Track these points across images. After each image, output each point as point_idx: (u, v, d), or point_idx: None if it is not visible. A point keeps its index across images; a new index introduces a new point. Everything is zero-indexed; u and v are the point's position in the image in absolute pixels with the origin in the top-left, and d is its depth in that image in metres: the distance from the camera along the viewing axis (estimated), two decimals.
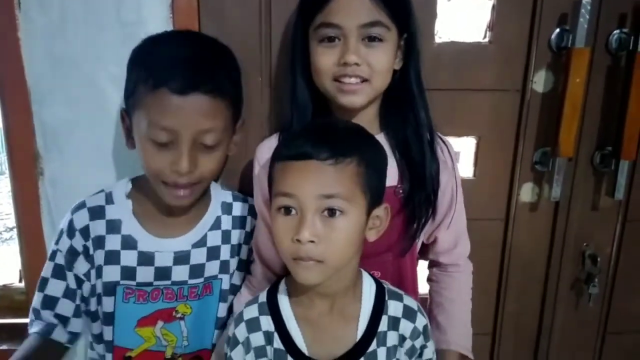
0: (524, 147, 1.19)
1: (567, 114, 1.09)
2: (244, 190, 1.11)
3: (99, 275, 0.94)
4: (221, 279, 0.99)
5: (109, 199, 0.95)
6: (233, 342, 0.84)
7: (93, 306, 0.97)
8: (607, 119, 1.17)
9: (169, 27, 1.05)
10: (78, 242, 0.93)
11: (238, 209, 1.02)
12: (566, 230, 1.24)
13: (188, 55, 0.87)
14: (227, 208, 1.01)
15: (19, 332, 1.26)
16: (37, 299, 0.96)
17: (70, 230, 0.93)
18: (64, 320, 0.96)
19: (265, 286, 0.93)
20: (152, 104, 0.83)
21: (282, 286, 0.85)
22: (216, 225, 0.99)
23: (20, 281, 1.33)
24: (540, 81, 1.15)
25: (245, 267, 1.03)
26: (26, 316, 1.26)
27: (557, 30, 1.12)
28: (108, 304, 0.94)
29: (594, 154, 1.20)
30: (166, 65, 0.84)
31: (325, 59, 0.88)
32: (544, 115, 1.17)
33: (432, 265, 1.10)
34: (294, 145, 0.77)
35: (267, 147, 0.96)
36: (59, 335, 0.96)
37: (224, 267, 0.99)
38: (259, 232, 1.00)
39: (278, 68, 1.11)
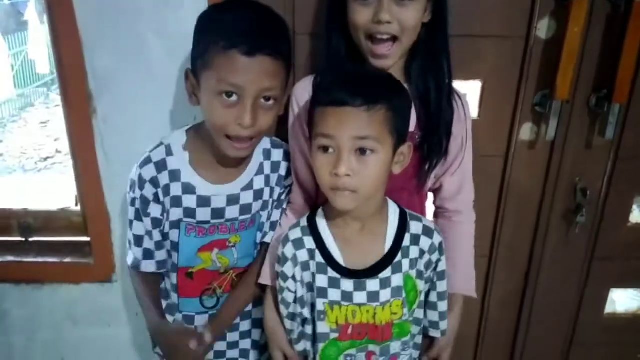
0: (526, 90, 1.29)
1: (564, 60, 1.19)
2: (278, 126, 1.22)
3: (168, 216, 1.08)
4: (262, 214, 1.13)
5: (169, 151, 1.05)
6: (283, 259, 1.00)
7: (174, 238, 1.11)
8: (604, 64, 1.26)
9: None
10: (149, 192, 1.05)
11: (276, 155, 1.13)
12: (560, 166, 1.36)
13: (252, 22, 0.97)
14: (267, 154, 1.12)
15: (79, 248, 1.49)
16: (129, 235, 1.11)
17: (141, 182, 1.05)
18: (149, 253, 1.11)
19: (304, 208, 1.11)
20: (224, 64, 0.92)
21: (320, 212, 1.01)
22: (260, 170, 1.11)
23: (76, 205, 1.52)
24: (543, 28, 1.24)
25: (278, 204, 1.16)
26: (83, 235, 1.49)
27: None
28: (174, 235, 1.09)
29: (590, 97, 1.30)
30: (235, 30, 0.94)
31: (360, 16, 0.97)
32: (545, 60, 1.26)
33: (437, 215, 1.20)
34: (332, 93, 0.89)
35: (302, 88, 1.09)
36: (147, 266, 1.11)
37: (265, 205, 1.13)
38: (296, 161, 1.12)
39: (309, 19, 1.21)
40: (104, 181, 1.35)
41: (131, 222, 1.10)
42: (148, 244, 1.10)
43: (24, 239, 1.52)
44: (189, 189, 1.06)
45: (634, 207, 1.46)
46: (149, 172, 1.05)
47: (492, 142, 1.35)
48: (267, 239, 1.16)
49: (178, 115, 1.26)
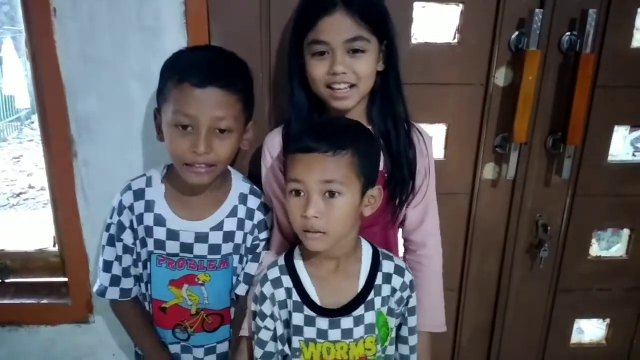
0: (487, 133, 1.38)
1: (521, 106, 1.28)
2: (252, 170, 1.30)
3: (143, 245, 1.13)
4: (234, 258, 1.17)
5: (149, 182, 1.13)
6: (262, 298, 1.04)
7: (139, 270, 1.17)
8: (559, 109, 1.36)
9: (183, 32, 1.23)
10: (126, 218, 1.13)
11: (252, 202, 1.17)
12: (522, 204, 1.44)
13: (207, 58, 1.06)
14: (243, 199, 1.16)
15: (56, 289, 1.50)
16: (100, 262, 1.17)
17: (120, 208, 1.13)
18: (116, 280, 1.16)
19: (282, 251, 1.14)
20: (177, 96, 1.01)
21: (297, 252, 1.06)
22: (233, 213, 1.14)
23: (54, 246, 1.54)
24: (501, 77, 1.33)
25: (250, 252, 1.18)
26: (60, 276, 1.50)
27: (516, 33, 1.30)
28: (149, 267, 1.15)
29: (547, 139, 1.39)
30: (189, 64, 1.03)
31: (318, 70, 1.05)
32: (504, 106, 1.35)
33: (406, 250, 1.25)
34: (301, 141, 0.96)
35: (272, 138, 1.17)
36: (111, 294, 1.17)
37: (237, 249, 1.16)
38: (275, 208, 1.17)
39: (276, 68, 1.28)
40: (83, 223, 1.37)
41: (104, 247, 1.15)
42: (117, 270, 1.16)
43: (0, 281, 1.52)
44: (159, 221, 1.11)
45: (593, 241, 1.54)
46: (128, 199, 1.12)
47: (458, 180, 1.43)
48: (239, 291, 1.19)
49: (158, 159, 1.29)
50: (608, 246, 1.58)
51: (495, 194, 1.44)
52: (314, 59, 1.05)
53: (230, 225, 1.14)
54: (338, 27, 1.01)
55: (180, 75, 1.01)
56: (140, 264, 1.16)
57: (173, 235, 1.11)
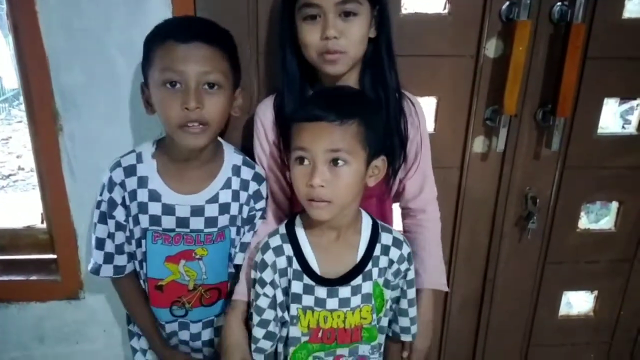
0: (477, 105, 1.37)
1: (511, 77, 1.27)
2: (245, 144, 1.29)
3: (136, 222, 1.12)
4: (231, 229, 1.16)
5: (139, 159, 1.11)
6: (262, 266, 1.04)
7: (132, 248, 1.16)
8: (549, 81, 1.35)
9: (167, 3, 1.20)
10: (117, 195, 1.11)
11: (245, 172, 1.16)
12: (511, 176, 1.44)
13: (188, 18, 1.10)
14: (236, 171, 1.15)
15: (45, 266, 1.49)
16: (92, 239, 1.16)
17: (110, 185, 1.11)
18: (109, 257, 1.16)
19: (277, 220, 1.16)
20: (163, 54, 1.00)
21: (298, 220, 1.06)
22: (227, 184, 1.14)
23: (42, 222, 1.53)
24: (491, 48, 1.32)
25: (247, 222, 1.19)
26: (49, 252, 1.49)
27: (507, 3, 1.28)
28: (144, 244, 1.13)
29: (536, 111, 1.39)
30: (172, 23, 1.06)
31: (310, 35, 1.04)
32: (494, 77, 1.34)
33: (404, 215, 1.27)
34: (308, 109, 0.95)
35: (264, 107, 1.16)
36: (105, 271, 1.17)
37: (233, 220, 1.16)
38: (268, 179, 1.18)
39: (265, 38, 1.27)
40: (70, 198, 1.36)
41: (95, 225, 1.14)
42: (109, 247, 1.15)
43: None
44: (154, 196, 1.10)
45: (582, 213, 1.55)
46: (118, 175, 1.10)
47: (448, 154, 1.43)
48: (237, 261, 1.19)
49: (144, 132, 1.29)
50: (596, 219, 1.59)
51: (484, 167, 1.44)
52: (305, 23, 1.04)
53: (225, 196, 1.14)
54: None
55: (163, 35, 1.02)
56: (134, 242, 1.15)
57: (168, 209, 1.11)
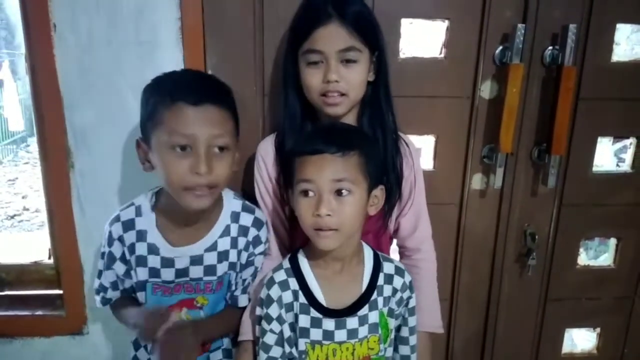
0: (474, 143, 1.42)
1: (506, 117, 1.32)
2: (245, 186, 1.32)
3: (136, 275, 1.11)
4: (230, 274, 1.15)
5: (138, 212, 1.10)
6: (268, 301, 1.05)
7: (141, 299, 1.14)
8: (543, 120, 1.40)
9: (179, 47, 1.27)
10: (116, 249, 1.11)
11: (245, 219, 1.15)
12: (510, 213, 1.47)
13: (195, 78, 1.07)
14: (235, 217, 1.14)
15: (51, 302, 1.51)
16: (95, 284, 1.17)
17: (110, 239, 1.11)
18: (115, 285, 1.17)
19: (280, 256, 1.18)
20: (172, 117, 0.98)
21: (301, 253, 1.08)
22: (226, 232, 1.13)
23: (49, 258, 1.55)
24: (486, 89, 1.38)
25: (246, 267, 1.17)
26: (55, 288, 1.51)
27: (500, 47, 1.35)
28: (141, 297, 1.13)
29: (532, 150, 1.43)
30: (181, 84, 1.02)
31: (313, 78, 1.10)
32: (490, 117, 1.39)
33: (401, 256, 1.29)
34: (310, 143, 1.00)
35: (265, 145, 1.20)
36: (115, 294, 1.18)
37: (232, 266, 1.15)
38: (268, 215, 1.20)
39: (269, 81, 1.33)
40: (78, 234, 1.39)
41: (100, 272, 1.16)
42: (111, 295, 1.17)
43: None
44: (153, 249, 1.10)
45: (581, 250, 1.57)
46: (117, 230, 1.10)
47: (447, 190, 1.46)
48: (241, 303, 1.17)
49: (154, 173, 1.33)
50: (596, 255, 1.61)
51: (483, 204, 1.47)
52: (308, 68, 1.10)
53: (224, 244, 1.13)
54: (332, 37, 1.06)
55: (171, 95, 0.98)
56: (140, 294, 1.14)
57: (167, 262, 1.10)
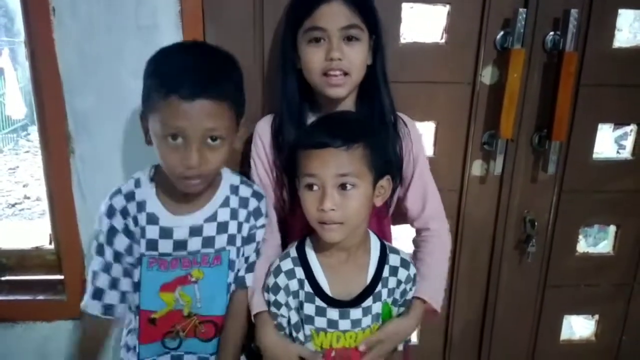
0: (474, 130, 1.42)
1: (506, 103, 1.32)
2: (245, 168, 1.31)
3: (132, 252, 1.08)
4: (229, 250, 1.13)
5: (137, 184, 1.09)
6: (274, 289, 1.07)
7: (130, 281, 1.11)
8: (544, 106, 1.40)
9: (178, 32, 1.27)
10: (118, 222, 1.07)
11: (244, 191, 1.15)
12: (509, 199, 1.48)
13: (194, 65, 0.99)
14: (234, 189, 1.14)
15: (52, 286, 1.51)
16: (89, 291, 1.11)
17: (110, 212, 1.07)
18: (99, 293, 1.09)
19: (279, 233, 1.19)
20: (165, 109, 0.95)
21: (308, 242, 1.09)
22: (225, 203, 1.12)
23: (50, 243, 1.56)
24: (487, 75, 1.38)
25: (248, 241, 1.16)
26: (56, 273, 1.52)
27: (501, 32, 1.34)
28: (136, 274, 1.09)
29: (532, 136, 1.43)
30: (175, 74, 0.97)
31: (314, 57, 1.09)
32: (490, 103, 1.39)
33: (414, 236, 1.28)
34: (314, 137, 0.99)
35: (263, 124, 1.20)
36: (93, 308, 1.10)
37: (232, 240, 1.12)
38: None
39: (269, 65, 1.32)
40: (79, 219, 1.40)
41: (94, 274, 1.10)
42: (102, 281, 1.09)
43: None
44: (152, 219, 1.08)
45: (580, 237, 1.57)
46: (119, 202, 1.08)
47: (447, 177, 1.46)
48: (248, 282, 1.16)
49: (154, 155, 1.32)
50: (595, 242, 1.62)
51: (483, 190, 1.47)
52: (309, 46, 1.09)
53: (224, 215, 1.12)
54: (335, 14, 1.06)
55: (166, 87, 0.95)
56: (135, 271, 1.11)
57: (166, 233, 1.08)
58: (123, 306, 1.13)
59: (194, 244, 1.10)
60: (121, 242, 1.09)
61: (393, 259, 1.10)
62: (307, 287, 1.06)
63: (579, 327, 1.69)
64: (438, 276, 1.20)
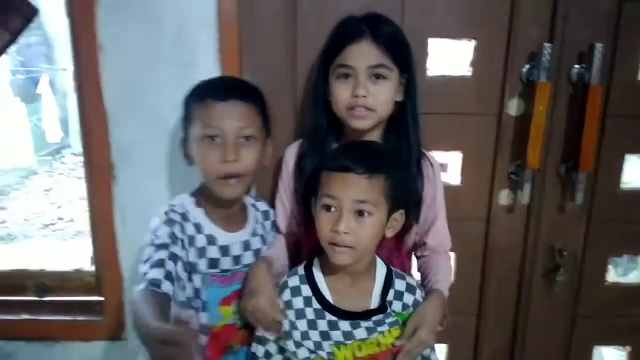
0: (501, 160, 1.44)
1: (533, 134, 1.34)
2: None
3: (193, 268, 1.12)
4: None
5: (186, 207, 1.15)
6: None
7: (188, 293, 1.12)
8: (570, 138, 1.42)
9: (217, 66, 1.34)
10: (178, 231, 1.10)
11: (261, 205, 1.31)
12: (537, 229, 1.48)
13: (224, 79, 1.23)
14: (254, 207, 1.29)
15: (91, 307, 1.58)
16: (144, 269, 1.04)
17: (170, 222, 1.10)
18: (170, 277, 1.04)
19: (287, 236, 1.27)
20: (203, 112, 1.10)
21: (316, 263, 1.12)
22: (255, 220, 1.26)
23: (91, 265, 1.63)
24: (513, 107, 1.41)
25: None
26: (96, 294, 1.58)
27: (527, 66, 1.38)
28: (203, 293, 1.14)
29: (559, 167, 1.45)
30: (210, 84, 1.16)
31: (342, 92, 1.15)
32: (517, 134, 1.42)
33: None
34: (339, 160, 1.03)
35: (292, 149, 1.28)
36: (168, 287, 1.02)
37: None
38: (279, 213, 1.29)
39: (301, 98, 1.39)
40: (119, 244, 1.46)
41: (149, 258, 1.06)
42: (171, 267, 1.05)
43: (39, 299, 1.61)
44: (211, 240, 1.16)
45: (610, 267, 1.56)
46: (177, 218, 1.12)
47: (474, 206, 1.48)
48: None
49: (192, 183, 1.39)
50: (625, 272, 1.60)
51: (510, 220, 1.49)
52: (338, 82, 1.15)
53: (259, 229, 1.25)
54: (363, 54, 1.11)
55: (203, 94, 1.12)
56: (190, 290, 1.14)
57: (225, 251, 1.17)
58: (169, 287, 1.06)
59: (248, 258, 1.20)
60: (178, 249, 1.09)
61: (399, 285, 1.12)
62: (316, 304, 1.08)
63: (610, 358, 1.67)
64: (446, 276, 1.25)
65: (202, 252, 1.14)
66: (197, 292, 1.15)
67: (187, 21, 1.33)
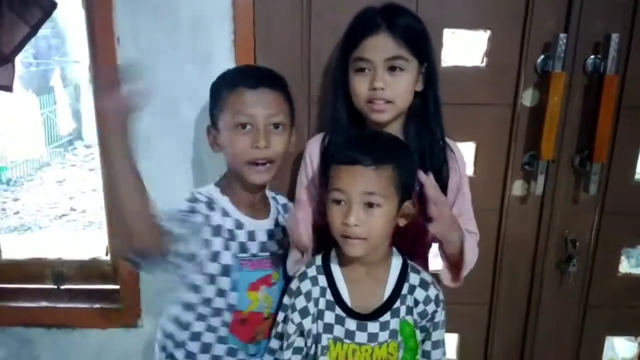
0: (515, 150, 1.44)
1: (547, 125, 1.34)
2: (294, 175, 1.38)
3: (226, 248, 1.15)
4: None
5: (211, 195, 1.17)
6: (297, 293, 1.10)
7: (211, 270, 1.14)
8: (585, 128, 1.42)
9: (232, 60, 1.35)
10: (201, 217, 1.12)
11: (281, 199, 1.31)
12: (550, 219, 1.49)
13: (254, 67, 1.26)
14: (274, 199, 1.29)
15: (108, 295, 1.61)
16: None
17: (198, 208, 1.12)
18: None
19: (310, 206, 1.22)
20: (235, 99, 1.12)
21: (333, 253, 1.13)
22: (276, 210, 1.27)
23: (106, 255, 1.66)
24: (528, 97, 1.41)
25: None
26: (112, 283, 1.61)
27: (542, 56, 1.38)
28: (232, 273, 1.16)
29: (573, 157, 1.45)
30: (240, 72, 1.21)
31: (360, 85, 1.15)
32: (531, 125, 1.42)
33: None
34: (346, 153, 1.03)
35: (314, 142, 1.27)
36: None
37: (286, 243, 1.21)
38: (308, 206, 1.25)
39: (316, 90, 1.40)
40: None
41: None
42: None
43: (56, 287, 1.65)
44: (239, 224, 1.18)
45: (622, 257, 1.57)
46: (203, 207, 1.14)
47: (487, 197, 1.49)
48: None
49: (207, 173, 1.41)
50: (637, 263, 1.61)
51: (524, 210, 1.49)
52: (356, 75, 1.15)
53: (280, 219, 1.26)
54: (380, 46, 1.12)
55: (233, 82, 1.15)
56: (220, 268, 1.16)
57: (251, 236, 1.19)
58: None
59: (272, 246, 1.22)
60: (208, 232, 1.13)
61: (413, 278, 1.11)
62: (329, 295, 1.09)
63: (621, 348, 1.68)
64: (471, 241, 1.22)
65: (231, 235, 1.16)
66: (226, 270, 1.16)
67: (203, 12, 1.34)
